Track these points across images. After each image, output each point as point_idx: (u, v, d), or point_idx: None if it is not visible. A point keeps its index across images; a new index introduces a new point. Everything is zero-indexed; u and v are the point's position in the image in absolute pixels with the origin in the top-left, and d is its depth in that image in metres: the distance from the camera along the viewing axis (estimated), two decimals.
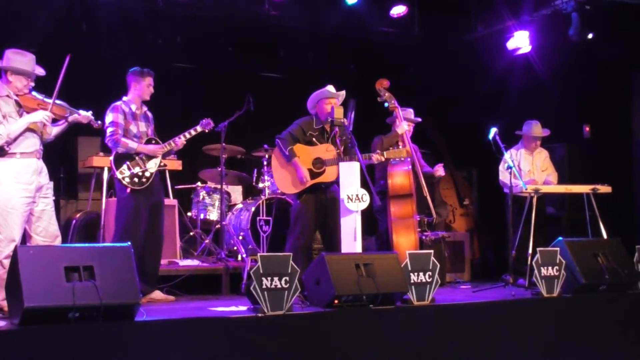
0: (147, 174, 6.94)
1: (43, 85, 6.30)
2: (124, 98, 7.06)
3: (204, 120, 7.33)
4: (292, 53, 10.62)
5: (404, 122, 7.69)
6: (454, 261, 9.91)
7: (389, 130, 7.81)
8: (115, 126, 6.87)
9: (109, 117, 6.89)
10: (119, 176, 6.86)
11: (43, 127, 6.18)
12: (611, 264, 7.05)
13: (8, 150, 5.96)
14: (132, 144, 6.90)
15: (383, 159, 7.20)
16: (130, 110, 7.01)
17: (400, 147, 7.45)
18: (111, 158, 6.96)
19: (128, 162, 6.90)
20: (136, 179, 6.89)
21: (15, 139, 5.98)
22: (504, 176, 8.51)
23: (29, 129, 6.04)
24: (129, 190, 6.87)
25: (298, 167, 7.09)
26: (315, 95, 7.26)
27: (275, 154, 7.31)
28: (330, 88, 7.24)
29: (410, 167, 7.43)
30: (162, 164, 7.09)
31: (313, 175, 7.11)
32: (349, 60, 11.16)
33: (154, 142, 7.05)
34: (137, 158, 6.93)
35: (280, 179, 7.27)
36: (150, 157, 7.00)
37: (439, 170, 8.08)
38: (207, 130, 7.38)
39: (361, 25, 10.30)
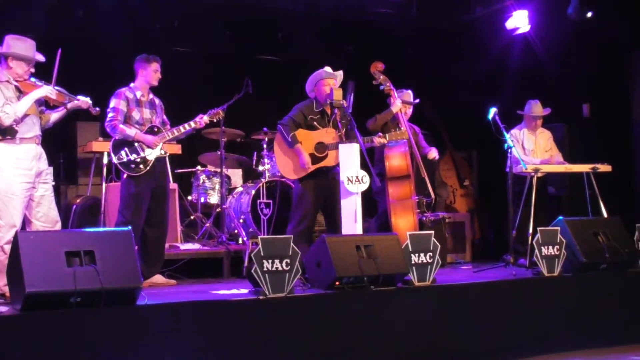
0: (146, 160, 6.94)
1: (40, 74, 6.29)
2: (131, 84, 7.07)
3: (212, 110, 7.34)
4: (290, 35, 10.59)
5: (398, 100, 7.68)
6: (454, 242, 9.93)
7: None
8: (115, 112, 6.88)
9: (111, 103, 6.92)
10: (116, 161, 6.87)
11: (42, 109, 6.20)
12: (611, 243, 7.04)
13: (17, 129, 5.97)
14: (130, 131, 6.89)
15: (385, 142, 7.20)
16: (134, 97, 7.01)
17: (402, 129, 7.43)
18: (110, 143, 6.97)
19: (127, 148, 6.90)
20: (133, 165, 6.89)
21: (23, 118, 5.99)
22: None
23: (28, 115, 6.04)
24: (125, 175, 6.90)
25: (300, 153, 7.07)
26: (313, 77, 7.24)
27: (278, 140, 7.30)
28: (328, 69, 7.23)
29: (407, 148, 7.42)
30: (162, 151, 7.08)
31: (315, 160, 7.09)
32: (347, 41, 11.13)
33: (155, 130, 7.05)
34: (136, 145, 6.93)
35: (283, 164, 7.26)
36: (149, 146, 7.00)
37: (432, 153, 8.01)
38: (214, 120, 7.39)
39: (359, 7, 10.28)
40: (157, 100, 7.24)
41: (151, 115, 7.10)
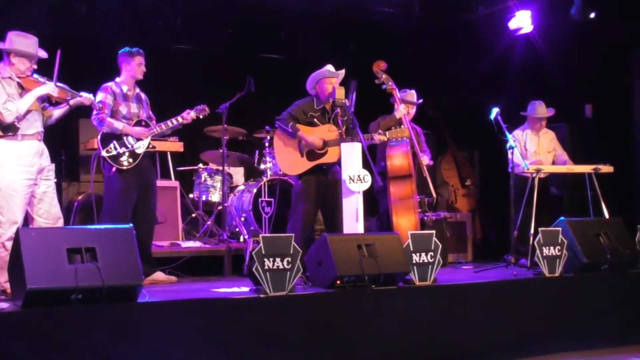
0: (135, 154, 6.93)
1: (43, 70, 6.29)
2: (117, 79, 7.07)
3: (198, 107, 7.32)
4: (293, 34, 10.59)
5: (402, 106, 7.67)
6: (456, 241, 9.93)
7: (392, 111, 7.79)
8: (102, 105, 6.86)
9: (97, 97, 6.87)
10: (105, 155, 6.86)
11: (45, 106, 6.21)
12: (613, 244, 7.04)
13: (18, 126, 5.97)
14: (118, 125, 6.89)
15: (385, 139, 7.19)
16: (121, 91, 7.00)
17: (403, 127, 7.43)
18: (98, 137, 6.96)
19: (115, 141, 6.89)
20: (122, 159, 6.88)
21: (25, 115, 5.99)
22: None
23: (30, 111, 6.04)
24: (114, 169, 6.88)
25: (305, 137, 7.06)
26: (315, 75, 7.23)
27: (277, 135, 7.30)
28: (330, 67, 7.23)
29: (408, 148, 7.42)
30: (151, 146, 7.07)
31: (315, 156, 7.09)
32: (349, 40, 11.12)
33: (143, 124, 7.05)
34: (124, 138, 6.92)
35: (283, 160, 7.26)
36: (138, 138, 6.99)
37: (424, 160, 7.97)
38: (201, 117, 7.36)
39: (362, 6, 10.27)
40: (143, 95, 7.24)
41: (138, 110, 7.09)
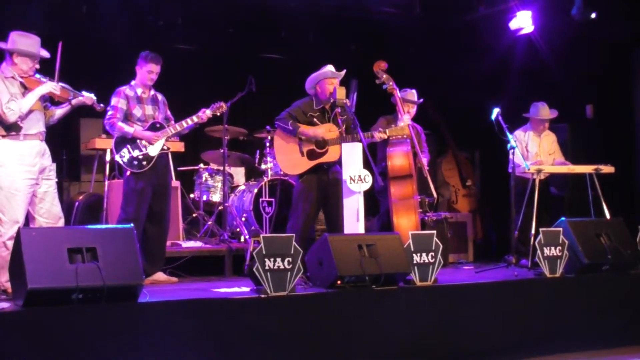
0: (148, 157, 6.94)
1: (45, 70, 6.30)
2: (132, 82, 7.08)
3: (214, 104, 7.33)
4: (294, 34, 10.58)
5: (406, 116, 7.63)
6: (456, 242, 9.92)
7: (392, 111, 7.78)
8: (114, 110, 6.91)
9: (111, 101, 6.95)
10: (118, 159, 6.91)
11: (47, 105, 6.22)
12: (614, 244, 7.03)
13: (21, 126, 5.98)
14: (128, 129, 6.91)
15: (385, 137, 7.17)
16: (135, 94, 7.02)
17: (401, 124, 7.39)
18: (112, 141, 6.99)
19: (129, 145, 6.92)
20: (136, 162, 6.91)
21: (27, 115, 6.00)
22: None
23: (33, 110, 6.05)
24: (128, 172, 6.92)
25: (306, 131, 7.06)
26: (316, 75, 7.22)
27: (277, 135, 7.30)
28: (331, 68, 7.22)
29: (409, 148, 7.40)
30: (165, 147, 7.08)
31: (316, 155, 7.09)
32: (350, 40, 11.12)
33: (158, 125, 7.05)
34: (138, 141, 6.94)
35: (283, 160, 7.26)
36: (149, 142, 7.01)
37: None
38: (218, 114, 7.38)
39: (362, 5, 10.26)
40: (159, 96, 7.24)
41: (153, 112, 7.10)
